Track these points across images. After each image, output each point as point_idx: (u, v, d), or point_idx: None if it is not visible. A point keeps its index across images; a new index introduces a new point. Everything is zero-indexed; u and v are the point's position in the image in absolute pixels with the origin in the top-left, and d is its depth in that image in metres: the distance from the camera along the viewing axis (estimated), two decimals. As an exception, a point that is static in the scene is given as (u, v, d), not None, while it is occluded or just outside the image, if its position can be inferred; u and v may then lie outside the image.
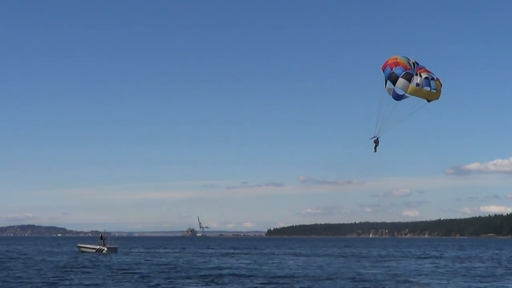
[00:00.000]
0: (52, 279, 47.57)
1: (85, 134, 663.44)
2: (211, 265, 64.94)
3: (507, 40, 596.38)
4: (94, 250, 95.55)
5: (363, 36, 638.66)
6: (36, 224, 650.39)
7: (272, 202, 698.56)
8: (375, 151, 38.73)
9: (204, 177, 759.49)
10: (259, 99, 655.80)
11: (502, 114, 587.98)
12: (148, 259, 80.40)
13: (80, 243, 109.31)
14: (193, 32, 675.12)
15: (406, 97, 36.26)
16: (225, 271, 55.15)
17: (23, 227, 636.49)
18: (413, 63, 37.59)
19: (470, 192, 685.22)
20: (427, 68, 37.82)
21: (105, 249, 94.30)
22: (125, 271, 55.10)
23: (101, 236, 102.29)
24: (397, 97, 36.44)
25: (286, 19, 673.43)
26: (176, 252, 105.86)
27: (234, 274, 51.99)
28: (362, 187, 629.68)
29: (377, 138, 38.35)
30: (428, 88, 36.24)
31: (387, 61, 37.49)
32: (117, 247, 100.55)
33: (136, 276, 50.41)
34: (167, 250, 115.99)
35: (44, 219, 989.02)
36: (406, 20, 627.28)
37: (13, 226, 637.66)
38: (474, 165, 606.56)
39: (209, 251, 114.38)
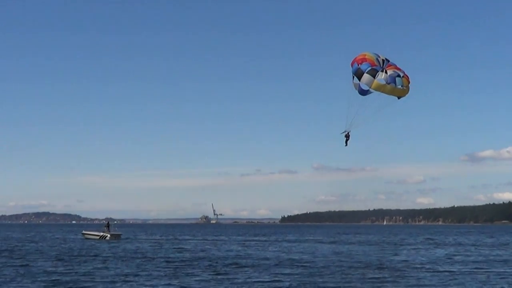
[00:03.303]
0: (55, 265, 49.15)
1: (100, 123, 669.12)
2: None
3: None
4: (98, 237, 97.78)
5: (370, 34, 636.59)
6: (51, 212, 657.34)
7: (286, 189, 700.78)
8: (346, 145, 39.71)
9: (218, 164, 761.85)
10: (272, 90, 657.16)
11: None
12: (152, 245, 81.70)
13: (84, 230, 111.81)
14: (214, 31, 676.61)
15: (371, 92, 37.32)
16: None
17: (38, 214, 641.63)
18: (383, 60, 38.30)
19: (484, 179, 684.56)
20: (397, 66, 38.74)
21: (108, 235, 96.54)
22: (121, 257, 56.57)
23: (108, 224, 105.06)
24: (362, 92, 37.46)
25: (300, 19, 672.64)
26: (189, 239, 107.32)
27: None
28: (376, 174, 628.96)
29: (348, 133, 39.27)
30: (393, 85, 37.00)
31: (355, 57, 38.49)
32: (120, 234, 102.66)
33: (134, 261, 51.72)
34: (174, 237, 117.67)
35: (58, 206, 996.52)
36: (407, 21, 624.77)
37: (28, 214, 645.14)
38: (488, 152, 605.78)
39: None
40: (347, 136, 39.49)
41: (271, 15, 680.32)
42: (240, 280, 38.25)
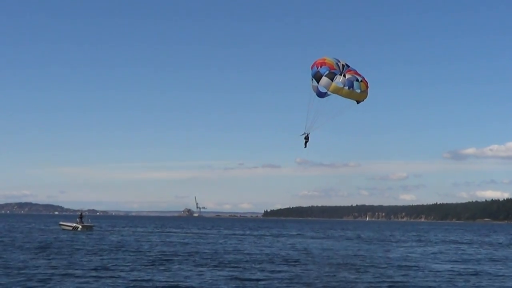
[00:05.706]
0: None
1: (84, 113, 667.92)
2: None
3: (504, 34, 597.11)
4: (71, 228, 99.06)
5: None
6: (34, 202, 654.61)
7: (269, 183, 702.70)
8: (305, 147, 40.10)
9: (201, 157, 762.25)
10: (257, 83, 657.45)
11: (498, 100, 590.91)
12: (120, 236, 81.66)
13: (61, 222, 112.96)
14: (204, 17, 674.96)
15: (329, 95, 37.94)
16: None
17: (21, 205, 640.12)
18: (343, 65, 39.05)
19: (467, 177, 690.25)
20: (357, 71, 39.34)
21: (80, 227, 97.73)
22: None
23: (81, 215, 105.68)
24: (320, 95, 38.16)
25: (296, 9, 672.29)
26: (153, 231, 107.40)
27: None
28: (359, 170, 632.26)
29: (307, 135, 39.74)
30: (351, 88, 37.69)
31: (316, 61, 39.12)
32: (93, 226, 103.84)
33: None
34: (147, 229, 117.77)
35: (41, 197, 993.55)
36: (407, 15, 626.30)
37: (11, 204, 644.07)
38: (470, 150, 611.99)
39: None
40: (307, 138, 40.02)
41: (257, 4, 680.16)
42: (221, 275, 38.42)
